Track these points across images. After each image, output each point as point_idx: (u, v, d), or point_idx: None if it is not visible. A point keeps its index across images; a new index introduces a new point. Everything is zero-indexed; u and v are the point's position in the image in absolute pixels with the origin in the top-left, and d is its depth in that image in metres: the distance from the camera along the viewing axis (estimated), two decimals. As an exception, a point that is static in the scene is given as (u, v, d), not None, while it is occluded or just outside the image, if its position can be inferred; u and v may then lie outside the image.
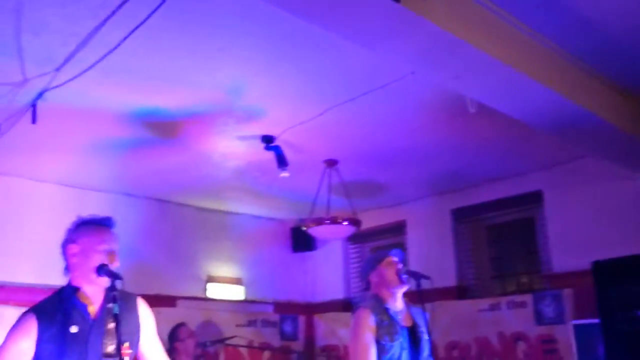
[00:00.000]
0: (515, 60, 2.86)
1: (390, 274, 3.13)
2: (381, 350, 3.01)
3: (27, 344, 2.17)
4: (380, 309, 3.09)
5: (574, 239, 4.87)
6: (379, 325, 3.04)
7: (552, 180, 5.12)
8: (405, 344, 3.07)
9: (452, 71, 2.88)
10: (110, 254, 2.30)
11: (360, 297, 3.28)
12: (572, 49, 3.23)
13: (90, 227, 2.35)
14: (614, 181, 4.71)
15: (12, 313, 2.29)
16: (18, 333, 2.19)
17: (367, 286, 3.27)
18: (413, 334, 3.12)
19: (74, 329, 2.20)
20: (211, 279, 6.21)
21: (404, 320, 3.14)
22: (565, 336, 4.67)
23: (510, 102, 3.23)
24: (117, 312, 2.13)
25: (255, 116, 4.00)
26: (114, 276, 2.22)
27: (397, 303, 3.14)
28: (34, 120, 3.32)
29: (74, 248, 2.31)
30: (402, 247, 6.22)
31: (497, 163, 5.01)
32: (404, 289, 3.13)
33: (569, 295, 4.76)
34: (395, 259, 3.18)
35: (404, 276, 3.12)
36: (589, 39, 3.15)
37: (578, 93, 3.31)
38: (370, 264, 3.25)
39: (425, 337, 3.15)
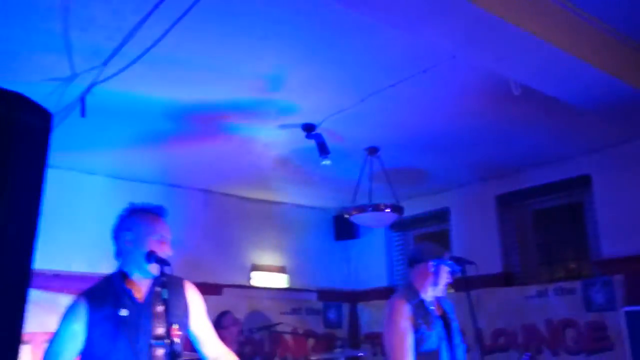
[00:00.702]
0: (560, 39, 2.79)
1: (443, 276, 3.16)
2: (420, 340, 3.03)
3: (78, 326, 2.27)
4: (416, 299, 3.12)
5: (625, 223, 4.72)
6: (416, 314, 3.06)
7: (601, 164, 4.97)
8: (442, 334, 3.09)
9: (495, 52, 2.83)
10: (163, 242, 2.38)
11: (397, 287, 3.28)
12: (620, 25, 3.12)
13: (144, 215, 2.43)
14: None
15: (67, 300, 2.40)
16: (70, 316, 2.31)
17: (412, 265, 3.25)
18: (445, 322, 3.15)
19: (123, 312, 2.29)
20: (255, 268, 6.30)
21: (435, 310, 3.18)
22: (617, 323, 4.55)
23: (556, 83, 3.15)
24: (166, 297, 2.20)
25: (296, 105, 4.02)
26: (162, 263, 2.29)
27: (429, 294, 3.17)
28: (83, 114, 3.43)
29: (128, 235, 2.39)
30: (446, 234, 6.18)
31: (542, 147, 4.89)
32: (440, 292, 3.20)
33: (619, 281, 4.63)
34: (449, 270, 3.18)
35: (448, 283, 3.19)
36: (637, 14, 3.04)
37: (627, 71, 3.20)
38: (434, 254, 3.19)
39: (455, 324, 3.18)
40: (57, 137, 4.10)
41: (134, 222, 2.41)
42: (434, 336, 3.07)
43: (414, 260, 3.24)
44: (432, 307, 3.15)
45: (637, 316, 4.42)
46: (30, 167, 1.43)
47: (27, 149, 1.41)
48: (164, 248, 2.37)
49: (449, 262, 3.15)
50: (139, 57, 3.10)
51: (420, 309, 3.09)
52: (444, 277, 3.16)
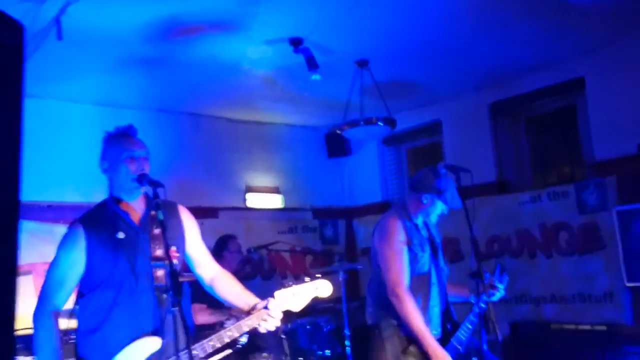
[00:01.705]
0: None
1: (436, 209, 3.18)
2: (413, 260, 3.09)
3: (77, 251, 2.27)
4: (410, 220, 3.18)
5: (618, 124, 4.69)
6: (410, 234, 3.11)
7: (594, 65, 4.87)
8: (431, 256, 3.17)
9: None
10: (133, 159, 2.34)
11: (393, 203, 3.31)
12: None
13: (114, 139, 2.41)
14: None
15: (63, 230, 2.39)
16: (68, 243, 2.30)
17: (410, 189, 3.26)
18: (432, 245, 3.22)
19: (121, 235, 2.29)
20: (250, 189, 6.31)
21: (426, 233, 3.25)
22: (609, 223, 4.63)
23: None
24: (162, 219, 2.18)
25: (281, 17, 3.86)
26: (154, 184, 2.26)
27: (420, 219, 3.23)
28: (60, 37, 3.27)
29: (104, 164, 2.40)
30: (439, 146, 6.17)
31: (535, 51, 4.77)
32: (431, 220, 3.26)
33: (612, 182, 4.66)
34: (444, 206, 3.18)
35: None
36: None
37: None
38: (429, 188, 3.15)
39: (440, 249, 3.30)
40: (36, 64, 3.97)
41: (105, 149, 2.41)
42: (426, 258, 3.13)
43: (411, 187, 3.28)
44: (423, 231, 3.21)
45: (629, 215, 4.51)
46: (6, 86, 1.35)
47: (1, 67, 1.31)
48: (134, 165, 2.33)
49: (444, 198, 3.13)
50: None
51: (413, 230, 3.14)
52: (437, 210, 3.19)
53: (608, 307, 4.63)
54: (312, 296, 2.54)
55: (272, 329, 2.44)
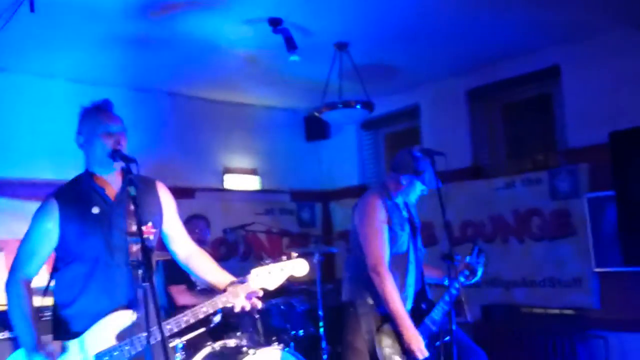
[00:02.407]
0: None
1: (415, 191, 3.21)
2: (392, 239, 3.12)
3: (50, 224, 2.28)
4: (390, 199, 3.20)
5: (592, 113, 4.77)
6: (391, 213, 3.13)
7: (570, 54, 4.94)
8: (410, 236, 3.20)
9: None
10: (110, 134, 2.32)
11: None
12: None
13: (91, 114, 2.40)
14: (634, 50, 4.53)
15: (36, 207, 2.38)
16: (41, 215, 2.31)
17: (390, 169, 3.29)
18: (411, 225, 3.25)
19: (95, 210, 2.29)
20: (227, 170, 6.29)
21: (406, 213, 3.27)
22: (580, 210, 4.72)
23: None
24: (134, 194, 2.17)
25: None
26: (127, 160, 2.25)
27: (400, 199, 3.25)
28: (32, 9, 3.20)
29: (80, 139, 2.39)
30: (416, 132, 6.20)
31: (513, 38, 4.80)
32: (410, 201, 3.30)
33: (584, 169, 4.74)
34: (424, 188, 3.22)
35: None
36: None
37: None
38: (408, 169, 3.17)
39: (419, 230, 3.32)
40: (8, 37, 3.88)
41: (82, 124, 2.40)
42: (405, 237, 3.16)
43: (391, 167, 3.30)
44: (404, 211, 3.23)
45: (599, 202, 4.60)
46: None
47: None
48: (110, 140, 2.32)
49: (422, 178, 3.16)
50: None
51: (394, 209, 3.16)
52: (417, 191, 3.22)
53: (576, 291, 4.74)
54: (288, 274, 2.55)
55: (248, 307, 2.44)
